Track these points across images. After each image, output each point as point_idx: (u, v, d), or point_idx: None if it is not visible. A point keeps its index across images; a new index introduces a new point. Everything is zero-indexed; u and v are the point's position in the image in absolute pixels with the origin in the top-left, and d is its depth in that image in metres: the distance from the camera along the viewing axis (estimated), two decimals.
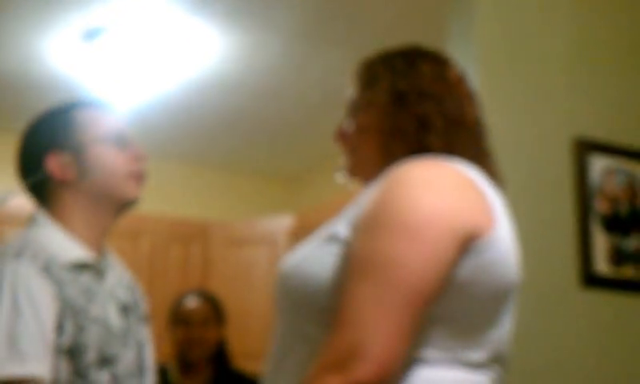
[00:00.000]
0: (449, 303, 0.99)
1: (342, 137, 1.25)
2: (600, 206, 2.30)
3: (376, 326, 0.94)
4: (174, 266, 4.43)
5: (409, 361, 0.98)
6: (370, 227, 1.00)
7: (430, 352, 0.99)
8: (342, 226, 1.05)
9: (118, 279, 1.57)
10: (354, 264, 0.99)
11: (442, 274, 0.97)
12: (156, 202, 4.42)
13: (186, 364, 2.78)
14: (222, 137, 4.60)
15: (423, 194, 0.99)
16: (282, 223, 4.36)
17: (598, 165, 2.32)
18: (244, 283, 4.35)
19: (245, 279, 4.38)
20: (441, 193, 1.00)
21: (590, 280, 2.22)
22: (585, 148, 2.31)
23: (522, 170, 2.22)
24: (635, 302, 2.29)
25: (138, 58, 3.47)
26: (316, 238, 1.08)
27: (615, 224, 2.31)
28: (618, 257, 2.29)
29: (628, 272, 2.30)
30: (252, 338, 3.86)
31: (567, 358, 2.16)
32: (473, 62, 2.25)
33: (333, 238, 1.04)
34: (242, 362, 3.02)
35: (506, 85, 2.28)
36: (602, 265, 2.25)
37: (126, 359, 1.49)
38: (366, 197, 1.06)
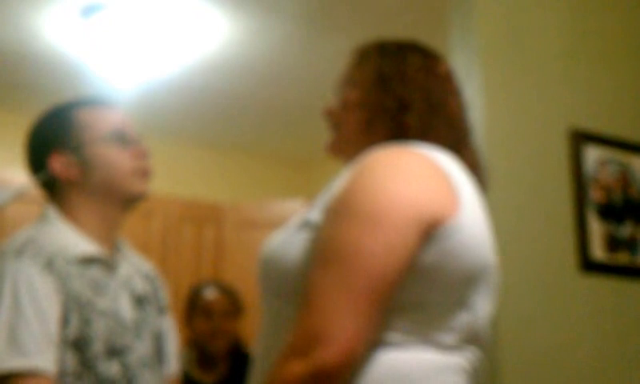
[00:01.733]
0: (415, 289, 1.00)
1: (328, 113, 1.28)
2: (595, 195, 2.35)
3: (339, 312, 0.95)
4: (187, 247, 4.38)
5: (375, 344, 0.99)
6: (335, 215, 1.01)
7: (396, 336, 1.00)
8: (314, 212, 1.07)
9: (135, 270, 1.59)
10: (318, 251, 1.00)
11: (404, 260, 0.98)
12: (168, 183, 4.38)
13: (205, 356, 2.74)
14: (232, 120, 4.56)
15: (387, 182, 1.01)
16: (293, 206, 4.33)
17: (593, 155, 2.36)
18: (256, 266, 4.31)
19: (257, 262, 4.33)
20: (405, 180, 1.02)
21: (588, 266, 2.28)
22: (580, 139, 2.35)
23: (521, 159, 2.27)
24: (629, 287, 2.35)
25: (138, 36, 3.37)
26: (293, 223, 1.10)
27: (610, 212, 2.36)
28: (613, 243, 2.35)
29: (623, 258, 2.36)
30: None
31: (567, 340, 2.21)
32: (472, 53, 2.29)
33: (306, 224, 1.06)
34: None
35: (504, 76, 2.31)
36: (598, 251, 2.31)
37: (139, 350, 1.50)
38: (338, 182, 1.07)
